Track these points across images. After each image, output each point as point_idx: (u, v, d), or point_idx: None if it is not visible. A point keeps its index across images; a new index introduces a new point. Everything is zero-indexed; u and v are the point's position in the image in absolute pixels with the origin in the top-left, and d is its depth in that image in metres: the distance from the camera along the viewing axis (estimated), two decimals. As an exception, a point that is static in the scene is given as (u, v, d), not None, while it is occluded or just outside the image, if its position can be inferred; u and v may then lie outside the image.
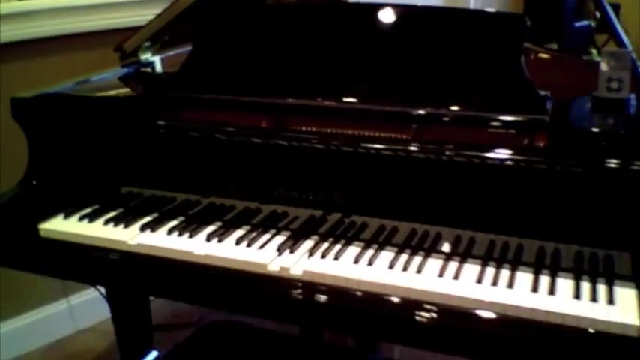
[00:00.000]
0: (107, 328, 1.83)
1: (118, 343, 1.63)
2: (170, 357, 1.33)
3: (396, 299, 0.99)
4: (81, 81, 1.46)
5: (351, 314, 1.03)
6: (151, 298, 1.67)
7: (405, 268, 1.03)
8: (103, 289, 1.57)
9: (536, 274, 1.00)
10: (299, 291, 1.05)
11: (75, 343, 2.09)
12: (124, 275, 1.21)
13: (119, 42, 1.53)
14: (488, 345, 0.96)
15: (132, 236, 1.18)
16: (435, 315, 0.97)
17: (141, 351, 1.65)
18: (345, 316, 1.04)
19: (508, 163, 1.00)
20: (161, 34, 1.53)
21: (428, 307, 0.97)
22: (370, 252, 1.08)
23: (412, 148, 1.06)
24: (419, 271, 1.02)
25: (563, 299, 0.94)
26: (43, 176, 1.34)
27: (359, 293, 1.01)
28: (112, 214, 1.26)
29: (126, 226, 1.21)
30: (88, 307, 2.12)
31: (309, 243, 1.12)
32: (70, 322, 2.12)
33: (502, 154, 1.01)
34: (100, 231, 1.21)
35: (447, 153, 1.03)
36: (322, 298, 1.03)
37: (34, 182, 1.33)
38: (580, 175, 0.97)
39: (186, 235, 1.17)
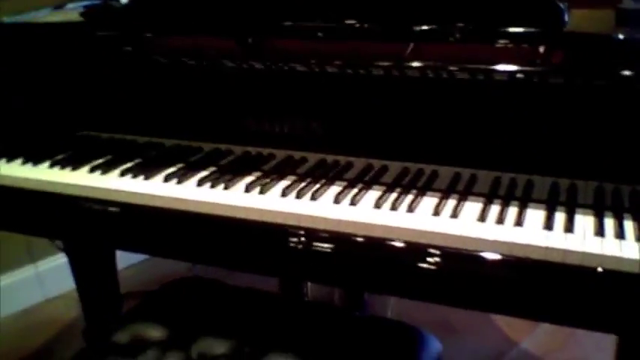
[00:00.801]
0: (77, 296, 1.70)
1: (82, 308, 1.48)
2: (132, 314, 1.17)
3: (384, 241, 0.84)
4: (36, 13, 1.29)
5: (330, 260, 0.88)
6: (122, 267, 1.52)
7: (394, 208, 0.87)
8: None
9: (550, 211, 0.84)
10: (271, 236, 0.89)
11: (43, 312, 1.95)
12: (69, 223, 1.06)
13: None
14: (491, 292, 0.81)
15: (80, 179, 1.03)
16: (430, 259, 0.81)
17: (108, 318, 1.50)
18: (323, 262, 0.88)
19: (519, 76, 0.84)
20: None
21: (422, 249, 0.81)
22: (354, 191, 0.92)
23: (407, 66, 0.88)
24: (410, 210, 0.86)
25: (583, 237, 0.78)
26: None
27: (340, 236, 0.86)
28: (60, 156, 1.11)
29: (74, 169, 1.06)
30: (56, 274, 1.97)
31: (283, 184, 0.97)
32: (38, 290, 1.98)
33: (511, 69, 0.84)
34: (44, 174, 1.06)
35: (449, 69, 0.86)
36: (297, 242, 0.88)
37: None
38: (605, 93, 0.81)
39: (142, 177, 1.01)
